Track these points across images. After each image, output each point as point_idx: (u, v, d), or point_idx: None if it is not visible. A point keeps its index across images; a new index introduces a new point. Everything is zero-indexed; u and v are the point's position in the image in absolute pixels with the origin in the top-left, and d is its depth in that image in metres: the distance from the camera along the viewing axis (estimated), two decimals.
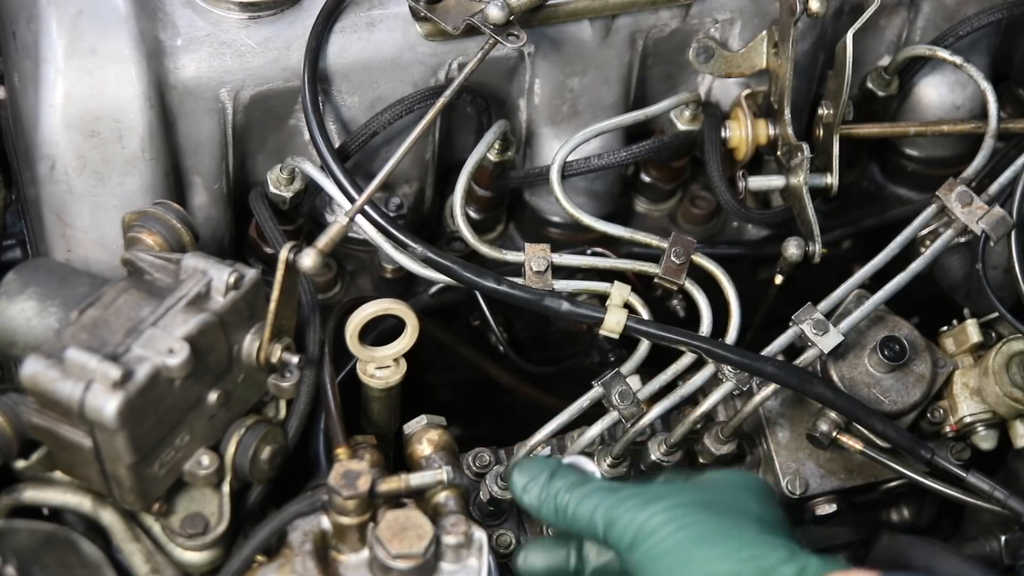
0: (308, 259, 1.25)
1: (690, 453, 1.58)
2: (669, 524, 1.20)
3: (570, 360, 1.76)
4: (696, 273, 1.54)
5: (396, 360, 1.43)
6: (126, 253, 1.34)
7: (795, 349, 1.52)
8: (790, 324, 1.51)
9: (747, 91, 1.66)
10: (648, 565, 1.19)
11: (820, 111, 1.62)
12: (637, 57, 1.64)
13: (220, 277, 1.26)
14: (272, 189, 1.54)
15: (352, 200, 1.47)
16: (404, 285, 1.66)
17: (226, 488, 1.31)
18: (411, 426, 1.48)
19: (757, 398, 1.51)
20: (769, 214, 1.70)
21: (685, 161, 1.74)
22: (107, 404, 1.17)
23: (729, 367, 1.48)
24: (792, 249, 1.56)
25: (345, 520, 1.24)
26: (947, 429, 1.61)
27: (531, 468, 1.31)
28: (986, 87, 1.63)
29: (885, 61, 1.75)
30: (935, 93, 1.77)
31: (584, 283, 1.52)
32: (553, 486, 1.28)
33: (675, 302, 1.74)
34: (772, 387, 1.50)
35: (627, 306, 1.50)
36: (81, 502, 1.31)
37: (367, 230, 1.51)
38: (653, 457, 1.53)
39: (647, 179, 1.76)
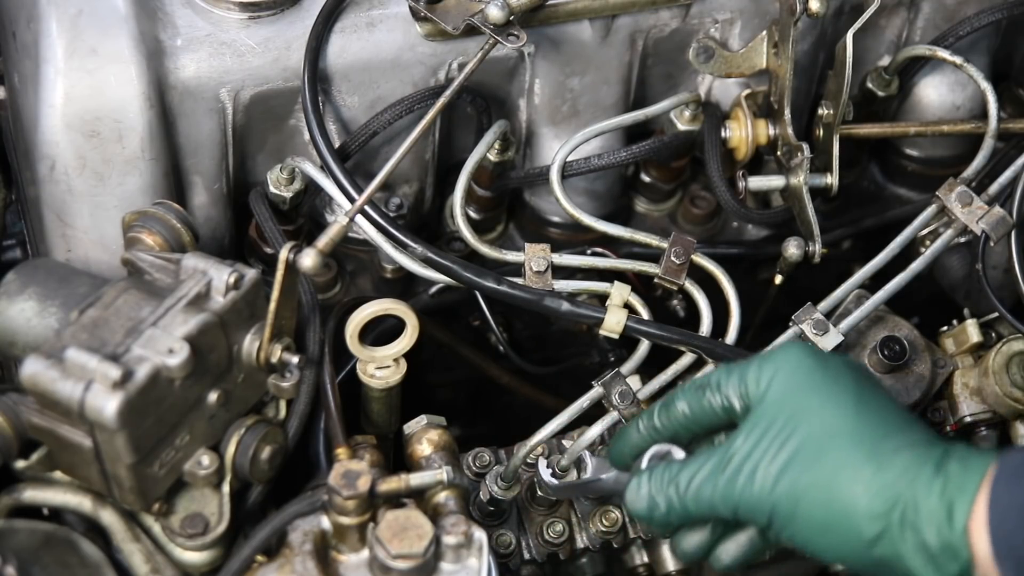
0: (308, 259, 1.25)
1: None
2: (789, 498, 1.21)
3: (570, 360, 1.76)
4: (696, 273, 1.54)
5: (396, 360, 1.43)
6: (126, 253, 1.34)
7: None
8: (790, 324, 1.51)
9: (747, 91, 1.66)
10: (799, 538, 1.23)
11: (820, 111, 1.62)
12: (637, 57, 1.64)
13: (220, 277, 1.26)
14: (272, 189, 1.54)
15: (352, 200, 1.47)
16: (404, 285, 1.66)
17: (226, 488, 1.31)
18: (411, 426, 1.48)
19: None
20: (769, 214, 1.70)
21: (685, 161, 1.74)
22: (107, 404, 1.17)
23: None
24: (792, 249, 1.56)
25: (345, 520, 1.24)
26: (947, 429, 1.61)
27: (634, 498, 1.31)
28: (986, 87, 1.63)
29: (885, 61, 1.75)
30: (935, 93, 1.77)
31: (584, 283, 1.52)
32: (668, 491, 1.28)
33: (675, 302, 1.74)
34: None
35: (627, 306, 1.50)
36: (81, 502, 1.31)
37: (367, 230, 1.51)
38: None
39: (647, 179, 1.76)
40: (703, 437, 1.34)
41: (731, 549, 1.32)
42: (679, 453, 1.34)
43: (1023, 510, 1.11)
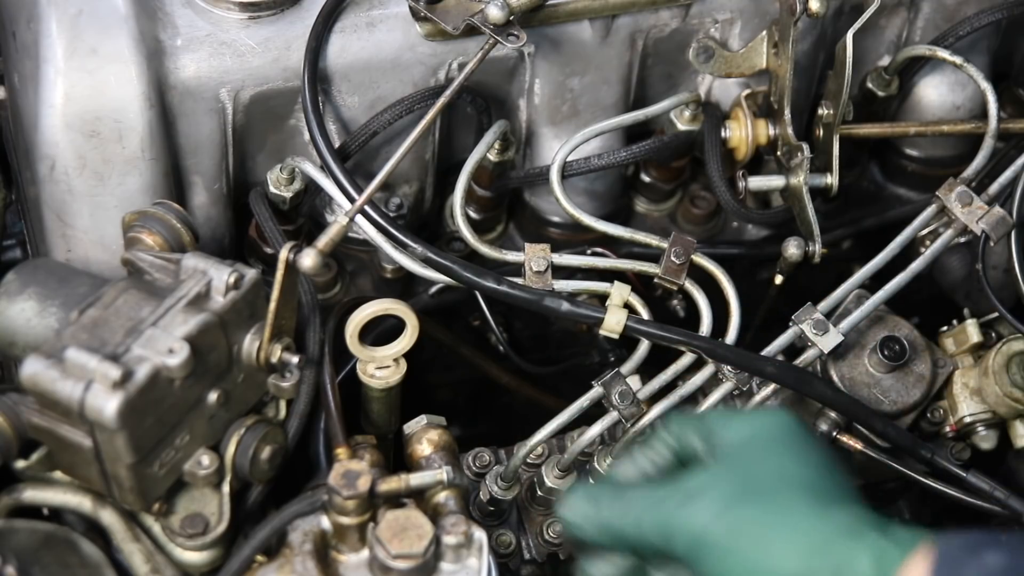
0: (308, 259, 1.25)
1: None
2: (728, 532, 1.15)
3: (570, 360, 1.76)
4: (696, 273, 1.54)
5: (396, 360, 1.43)
6: (126, 253, 1.34)
7: (795, 349, 1.52)
8: (790, 324, 1.51)
9: (747, 91, 1.66)
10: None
11: (820, 111, 1.62)
12: (637, 57, 1.64)
13: (220, 277, 1.26)
14: (272, 189, 1.54)
15: (352, 200, 1.47)
16: (404, 285, 1.66)
17: (226, 488, 1.31)
18: (411, 426, 1.48)
19: (757, 398, 1.51)
20: (769, 214, 1.71)
21: (685, 161, 1.74)
22: (107, 404, 1.17)
23: (729, 367, 1.48)
24: (792, 249, 1.56)
25: (345, 520, 1.24)
26: (947, 429, 1.61)
27: (574, 502, 1.24)
28: (986, 87, 1.63)
29: (885, 61, 1.75)
30: (935, 93, 1.77)
31: (584, 283, 1.52)
32: (601, 513, 1.21)
33: (675, 302, 1.74)
34: (772, 387, 1.50)
35: (627, 306, 1.50)
36: (81, 502, 1.31)
37: (367, 230, 1.51)
38: None
39: (647, 179, 1.76)
40: None
41: None
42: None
43: None
